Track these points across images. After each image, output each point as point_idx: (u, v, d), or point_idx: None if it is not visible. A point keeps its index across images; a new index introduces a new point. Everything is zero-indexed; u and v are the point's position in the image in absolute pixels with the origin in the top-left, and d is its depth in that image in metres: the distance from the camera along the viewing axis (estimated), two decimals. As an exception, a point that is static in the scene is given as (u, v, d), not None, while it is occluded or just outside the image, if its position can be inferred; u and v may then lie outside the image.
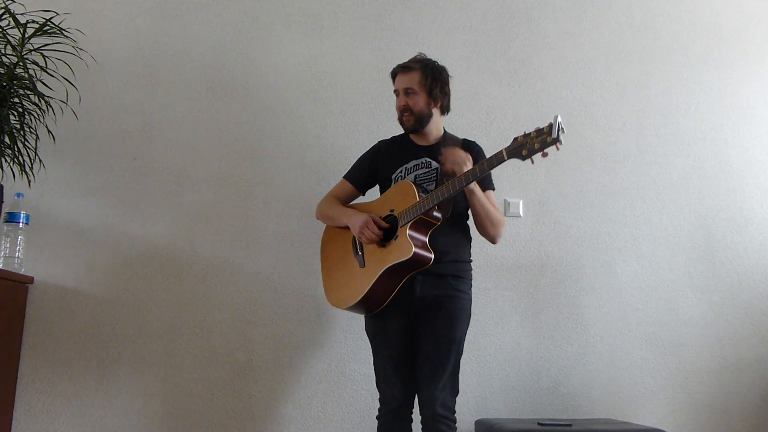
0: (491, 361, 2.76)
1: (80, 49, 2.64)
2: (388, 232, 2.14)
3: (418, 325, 2.15)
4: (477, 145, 2.32)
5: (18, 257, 2.48)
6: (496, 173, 2.89)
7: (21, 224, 2.49)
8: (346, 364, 2.67)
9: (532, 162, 1.93)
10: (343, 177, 2.41)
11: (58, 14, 2.53)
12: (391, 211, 2.14)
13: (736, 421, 2.84)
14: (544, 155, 1.91)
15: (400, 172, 2.25)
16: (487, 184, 2.27)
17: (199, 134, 2.78)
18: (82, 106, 2.67)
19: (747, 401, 2.86)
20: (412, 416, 2.18)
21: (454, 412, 2.11)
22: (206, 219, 2.72)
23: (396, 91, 2.29)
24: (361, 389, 2.64)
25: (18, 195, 2.52)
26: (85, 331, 2.58)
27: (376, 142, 2.42)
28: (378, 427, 2.17)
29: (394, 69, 2.31)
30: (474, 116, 2.94)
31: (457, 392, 2.14)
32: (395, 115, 2.31)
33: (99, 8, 2.82)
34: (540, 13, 3.09)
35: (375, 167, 2.35)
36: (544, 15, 3.10)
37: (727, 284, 2.96)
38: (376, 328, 2.22)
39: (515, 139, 1.96)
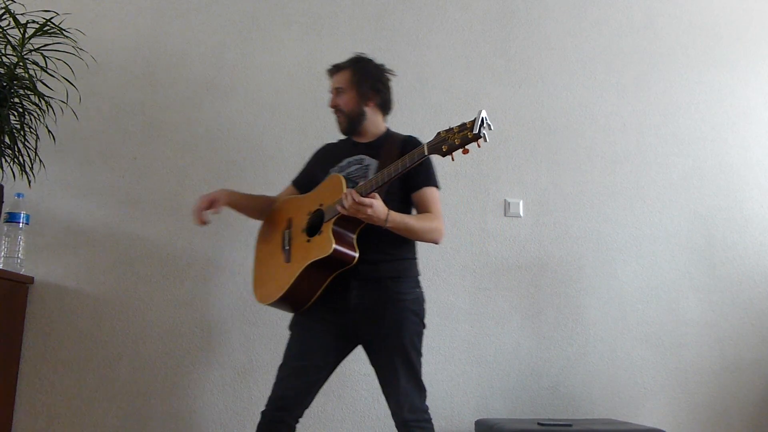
0: (491, 361, 2.76)
1: (80, 49, 2.64)
2: (314, 226, 2.05)
3: (363, 338, 2.07)
4: (417, 140, 2.17)
5: (18, 257, 2.48)
6: (495, 173, 2.91)
7: (21, 224, 2.49)
8: (346, 364, 2.63)
9: (453, 159, 1.82)
10: (291, 181, 2.37)
11: (58, 14, 2.53)
12: (321, 205, 2.06)
13: (736, 421, 2.84)
14: (465, 152, 1.80)
15: (334, 171, 2.17)
16: (424, 181, 2.14)
17: (199, 134, 2.78)
18: (82, 106, 2.67)
19: (747, 401, 2.86)
20: (296, 426, 2.04)
21: (425, 410, 2.03)
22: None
23: (330, 92, 2.24)
24: (361, 389, 2.64)
25: (18, 195, 2.52)
26: (85, 331, 2.58)
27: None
28: (258, 425, 2.03)
29: (328, 70, 2.26)
30: (474, 116, 2.93)
31: (424, 390, 2.04)
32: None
33: (99, 8, 2.82)
34: (540, 13, 3.10)
35: (313, 168, 2.29)
36: (544, 15, 3.10)
37: (727, 284, 2.96)
38: (297, 325, 2.12)
39: (438, 133, 1.85)
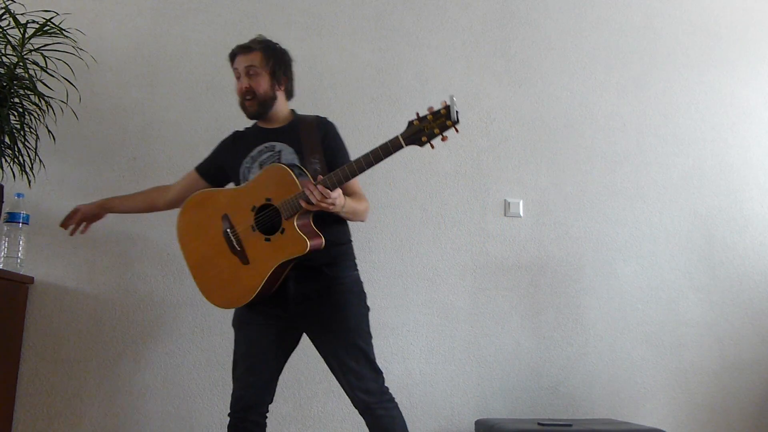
0: (491, 361, 2.76)
1: (80, 49, 2.64)
2: (267, 224, 1.97)
3: (307, 327, 2.06)
4: (329, 122, 2.16)
5: (19, 257, 2.48)
6: (495, 173, 2.91)
7: (21, 224, 2.49)
8: (346, 364, 2.67)
9: (432, 147, 1.82)
10: (195, 168, 2.25)
11: (58, 14, 2.53)
12: (268, 200, 1.96)
13: (736, 421, 2.84)
14: (444, 139, 1.80)
15: (246, 162, 2.10)
16: (345, 161, 2.05)
17: (199, 134, 2.78)
18: (82, 106, 2.67)
19: (747, 401, 2.86)
20: (265, 422, 2.06)
21: (384, 392, 2.00)
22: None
23: (237, 73, 2.11)
24: (361, 389, 2.64)
25: (18, 195, 2.52)
26: (85, 331, 2.58)
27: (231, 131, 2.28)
28: (227, 427, 2.03)
29: (232, 50, 2.13)
30: (474, 116, 2.94)
31: (380, 373, 2.02)
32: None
33: (99, 8, 2.82)
34: (540, 13, 3.09)
35: (222, 159, 2.21)
36: (544, 15, 3.10)
37: (727, 284, 2.96)
38: (240, 321, 2.09)
39: (410, 123, 1.83)
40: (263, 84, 2.09)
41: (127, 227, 2.67)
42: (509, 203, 2.89)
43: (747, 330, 2.93)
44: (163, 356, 2.60)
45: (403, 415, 2.04)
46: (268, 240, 1.96)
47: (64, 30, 2.53)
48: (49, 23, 2.47)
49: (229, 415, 2.04)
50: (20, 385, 2.50)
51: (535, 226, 2.89)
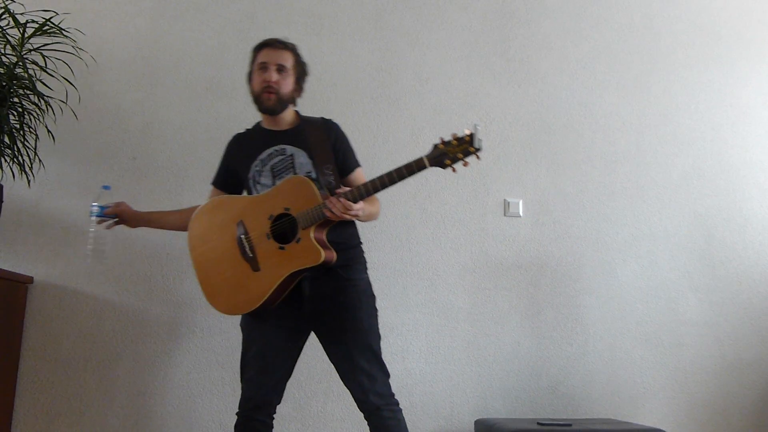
0: (491, 361, 2.76)
1: (80, 49, 2.64)
2: (282, 233, 1.99)
3: (318, 327, 2.06)
4: (335, 123, 2.18)
5: (103, 249, 2.25)
6: (495, 173, 2.92)
7: (103, 218, 2.23)
8: (345, 364, 2.67)
9: (454, 170, 1.90)
10: (211, 183, 2.26)
11: (57, 14, 2.53)
12: (286, 209, 1.98)
13: (736, 421, 2.84)
14: (465, 164, 1.89)
15: (256, 165, 2.10)
16: (354, 163, 2.15)
17: (199, 134, 2.78)
18: (82, 106, 2.67)
19: (747, 401, 2.86)
20: (272, 423, 2.05)
21: (392, 395, 2.02)
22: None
23: (262, 65, 2.10)
24: (361, 389, 2.65)
25: (105, 187, 2.29)
26: (85, 331, 2.58)
27: (232, 137, 2.27)
28: (234, 426, 2.04)
29: (264, 41, 2.13)
30: (474, 116, 2.94)
31: (388, 374, 2.03)
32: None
33: (99, 8, 2.82)
34: (540, 13, 3.09)
35: (233, 163, 2.19)
36: (544, 15, 3.10)
37: (726, 284, 2.96)
38: (252, 323, 2.07)
39: (435, 146, 1.90)
40: (289, 85, 2.12)
41: (127, 227, 2.66)
42: (509, 203, 2.89)
43: (746, 330, 2.93)
44: (163, 356, 2.60)
45: (404, 414, 2.04)
46: (282, 248, 1.97)
47: (63, 30, 2.53)
48: (48, 23, 2.47)
49: (237, 414, 2.04)
50: (20, 384, 2.50)
51: (535, 225, 2.89)
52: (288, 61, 2.12)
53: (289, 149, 2.09)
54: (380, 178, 1.91)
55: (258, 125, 2.22)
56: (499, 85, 3.00)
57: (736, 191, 3.05)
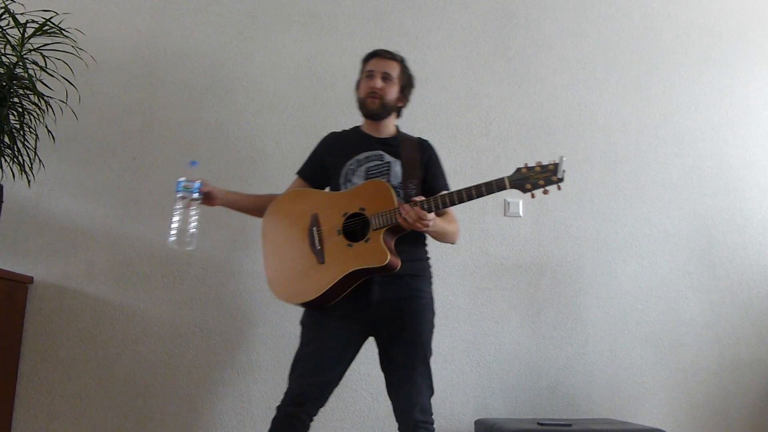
0: (491, 361, 2.76)
1: (80, 49, 2.64)
2: (353, 231, 2.03)
3: (380, 333, 2.06)
4: (430, 144, 2.26)
5: (190, 231, 2.08)
6: (495, 173, 2.90)
7: (195, 195, 2.07)
8: (346, 364, 2.67)
9: (533, 196, 1.95)
10: (296, 173, 2.29)
11: (57, 14, 2.53)
12: (362, 209, 2.02)
13: (736, 421, 2.84)
14: (546, 192, 1.93)
15: (351, 164, 2.14)
16: (443, 184, 2.22)
17: (199, 134, 2.78)
18: (82, 106, 2.67)
19: (747, 401, 2.86)
20: (310, 424, 2.03)
21: (432, 413, 2.04)
22: (206, 219, 2.71)
23: (369, 72, 2.20)
24: (361, 389, 2.65)
25: (193, 163, 2.14)
26: (85, 331, 2.58)
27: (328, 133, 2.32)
28: (273, 419, 2.01)
29: (374, 51, 2.24)
30: (474, 116, 2.94)
31: (433, 392, 2.06)
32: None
33: (99, 8, 2.82)
34: (540, 13, 3.09)
35: (325, 159, 2.25)
36: (544, 15, 3.10)
37: (726, 284, 2.96)
38: (313, 320, 2.08)
39: (518, 169, 1.96)
40: (393, 92, 2.20)
41: (127, 227, 2.67)
42: (509, 203, 2.89)
43: (746, 330, 2.93)
44: (163, 356, 2.60)
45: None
46: (350, 245, 2.01)
47: (63, 30, 2.52)
48: (48, 23, 2.47)
49: (279, 407, 2.01)
50: (20, 385, 2.50)
51: (535, 225, 2.89)
52: (394, 70, 2.21)
53: (387, 157, 2.15)
54: (458, 192, 1.96)
55: (357, 128, 2.27)
56: (500, 85, 3.00)
57: (736, 191, 3.06)
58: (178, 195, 2.06)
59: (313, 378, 2.02)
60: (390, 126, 2.25)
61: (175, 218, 2.05)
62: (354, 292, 2.01)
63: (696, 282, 2.94)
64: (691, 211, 3.00)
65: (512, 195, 2.88)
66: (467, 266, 2.82)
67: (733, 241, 3.01)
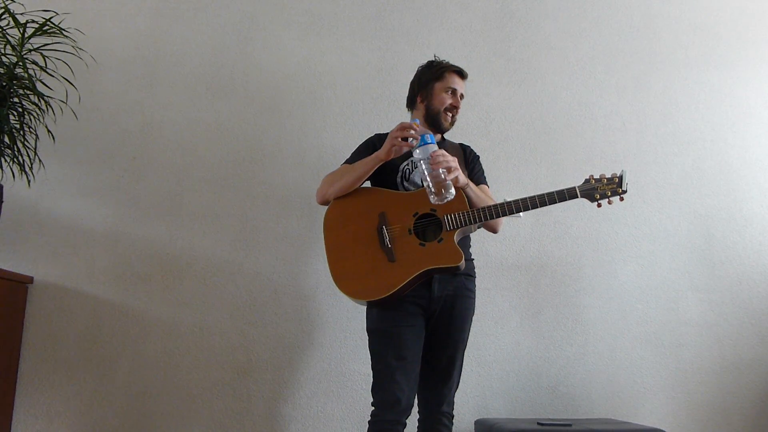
0: (491, 361, 2.76)
1: (80, 49, 2.64)
2: (423, 231, 2.09)
3: (432, 326, 2.14)
4: (469, 146, 2.40)
5: (443, 178, 1.97)
6: (495, 173, 2.91)
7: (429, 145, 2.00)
8: (345, 364, 2.67)
9: (599, 206, 2.10)
10: (344, 162, 2.27)
11: (57, 14, 2.54)
12: (433, 210, 2.09)
13: (736, 421, 2.84)
14: (610, 203, 2.09)
15: (407, 165, 2.22)
16: (484, 179, 2.36)
17: (199, 134, 2.78)
18: (82, 106, 2.67)
19: (747, 401, 2.86)
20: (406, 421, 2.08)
21: (454, 405, 2.17)
22: (206, 219, 2.72)
23: (453, 90, 2.29)
24: (361, 389, 2.65)
25: (415, 120, 2.11)
26: (85, 331, 2.58)
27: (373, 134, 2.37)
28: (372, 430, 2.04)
29: (456, 68, 2.32)
30: (474, 116, 2.94)
31: (458, 387, 2.21)
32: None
33: (99, 8, 2.82)
34: (540, 13, 3.10)
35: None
36: (544, 15, 3.10)
37: (726, 284, 2.96)
38: (387, 325, 2.10)
39: (587, 180, 2.11)
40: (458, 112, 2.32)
41: (126, 227, 2.67)
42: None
43: (746, 330, 2.93)
44: (163, 356, 2.60)
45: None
46: (422, 245, 2.07)
47: (63, 30, 2.53)
48: (48, 23, 2.47)
49: (378, 420, 2.05)
50: (20, 384, 2.50)
51: (535, 225, 2.89)
52: (464, 91, 2.33)
53: None
54: (531, 198, 2.08)
55: None
56: (500, 85, 3.00)
57: (736, 191, 3.06)
58: (430, 149, 1.99)
59: (404, 380, 2.05)
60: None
61: (428, 174, 1.99)
62: (419, 289, 2.09)
63: (696, 282, 2.94)
64: (691, 211, 3.01)
65: (512, 195, 2.89)
66: (467, 266, 2.82)
67: (733, 241, 3.01)
